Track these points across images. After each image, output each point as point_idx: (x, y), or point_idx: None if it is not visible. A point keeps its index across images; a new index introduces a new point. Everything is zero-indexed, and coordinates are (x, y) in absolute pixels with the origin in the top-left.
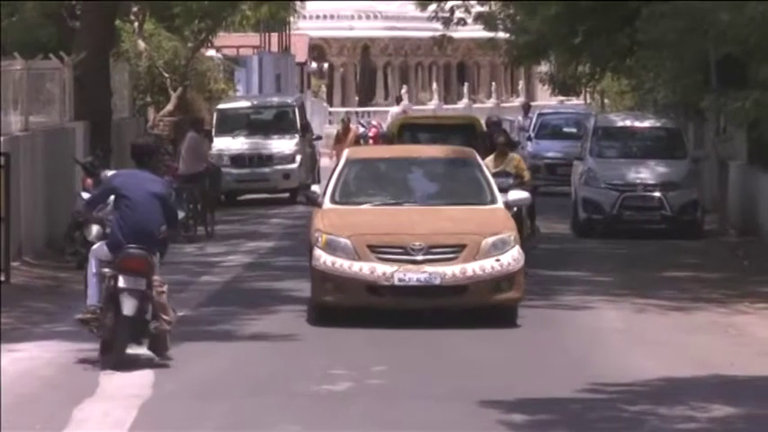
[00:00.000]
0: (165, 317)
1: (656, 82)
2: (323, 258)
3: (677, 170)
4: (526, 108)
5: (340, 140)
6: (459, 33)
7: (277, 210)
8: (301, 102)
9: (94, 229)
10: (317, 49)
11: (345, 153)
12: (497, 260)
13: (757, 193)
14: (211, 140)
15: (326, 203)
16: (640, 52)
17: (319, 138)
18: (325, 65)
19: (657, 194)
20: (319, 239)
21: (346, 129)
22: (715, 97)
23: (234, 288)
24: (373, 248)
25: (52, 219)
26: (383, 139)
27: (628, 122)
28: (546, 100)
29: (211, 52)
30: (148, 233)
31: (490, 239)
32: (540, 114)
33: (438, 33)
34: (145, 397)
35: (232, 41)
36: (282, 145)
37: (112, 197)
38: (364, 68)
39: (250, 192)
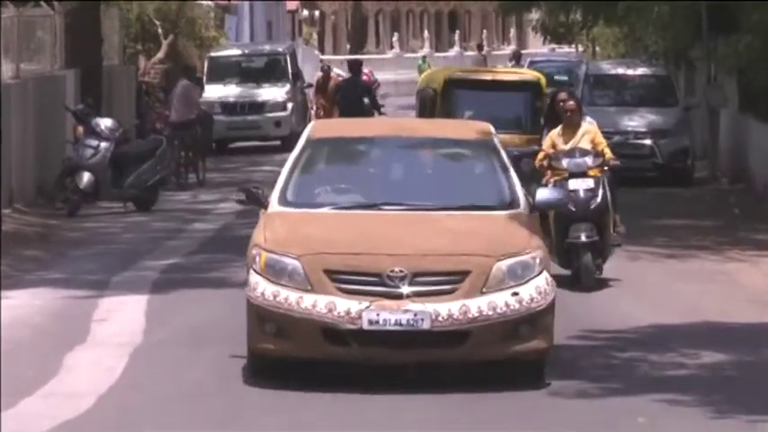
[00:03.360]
0: None
1: (646, 30)
2: (261, 288)
3: (668, 118)
4: (517, 56)
5: (320, 89)
6: None
7: (268, 157)
8: (293, 50)
9: (86, 176)
10: None
11: (307, 131)
12: (515, 294)
13: (748, 141)
14: (203, 88)
15: (273, 204)
16: None
17: (310, 85)
18: (317, 12)
19: (648, 142)
20: (257, 259)
21: (326, 76)
22: (705, 44)
23: (226, 235)
24: (334, 275)
25: (43, 166)
26: (418, 97)
27: (619, 70)
28: (537, 48)
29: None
30: (357, 108)
31: (505, 263)
32: (532, 62)
33: None
34: (136, 344)
35: None
36: (274, 93)
37: None
38: (356, 16)
39: (241, 139)
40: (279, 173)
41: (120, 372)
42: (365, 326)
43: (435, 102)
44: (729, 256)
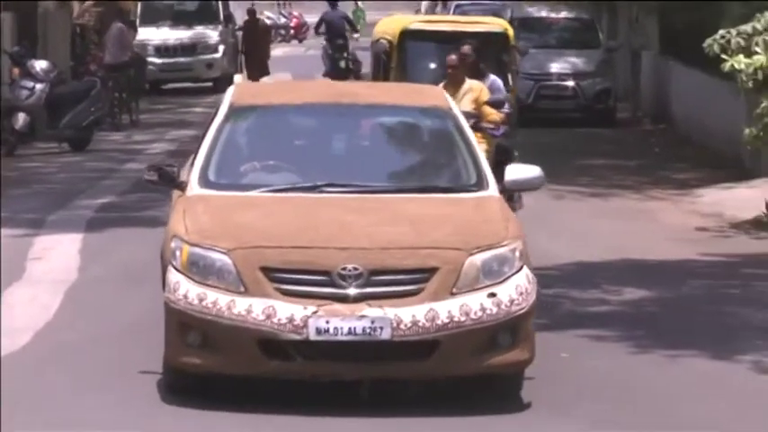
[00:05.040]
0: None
1: None
2: (183, 290)
3: (591, 60)
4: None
5: (247, 34)
6: None
7: (201, 98)
8: None
9: (21, 116)
10: None
11: (229, 94)
12: (492, 295)
13: (669, 82)
14: (136, 31)
15: (193, 186)
16: None
17: (241, 28)
18: None
19: (571, 83)
20: (177, 254)
21: (252, 18)
22: None
23: None
24: (272, 273)
25: None
26: (372, 53)
27: (543, 14)
28: None
29: None
30: (342, 33)
31: (479, 257)
32: (458, 6)
33: None
34: (71, 281)
35: None
36: (206, 35)
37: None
38: None
39: (174, 81)
40: (211, 114)
41: (56, 309)
42: (312, 336)
43: (391, 56)
44: (650, 195)
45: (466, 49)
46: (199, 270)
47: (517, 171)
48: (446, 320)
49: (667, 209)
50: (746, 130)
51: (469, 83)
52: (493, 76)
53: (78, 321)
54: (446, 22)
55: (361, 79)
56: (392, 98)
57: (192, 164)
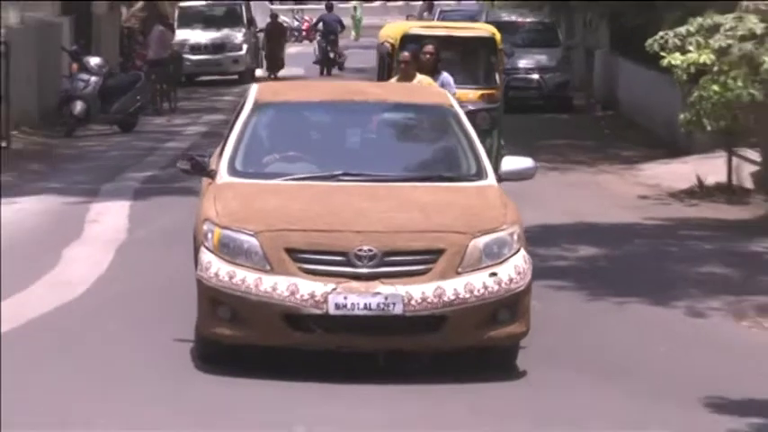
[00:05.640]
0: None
1: None
2: (215, 268)
3: (552, 56)
4: (429, 6)
5: (268, 35)
6: None
7: (228, 89)
8: (247, 0)
9: (79, 104)
10: None
11: (253, 92)
12: (493, 274)
13: (617, 75)
14: (174, 32)
15: (222, 175)
16: None
17: (261, 30)
18: None
19: (536, 77)
20: (209, 236)
21: (274, 23)
22: None
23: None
24: (296, 254)
25: (44, 96)
26: (378, 53)
27: (513, 18)
28: None
29: None
30: (334, 31)
31: (481, 240)
32: (442, 11)
33: None
34: (120, 241)
35: None
36: (232, 36)
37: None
38: None
39: (206, 74)
40: (237, 102)
41: (108, 264)
42: (331, 310)
43: (393, 56)
44: (601, 169)
45: (430, 48)
46: (229, 250)
47: (513, 162)
48: (452, 297)
49: (615, 181)
50: (681, 116)
51: (419, 77)
52: (445, 73)
53: (126, 276)
54: (441, 28)
55: (344, 70)
56: (399, 96)
57: (221, 154)
